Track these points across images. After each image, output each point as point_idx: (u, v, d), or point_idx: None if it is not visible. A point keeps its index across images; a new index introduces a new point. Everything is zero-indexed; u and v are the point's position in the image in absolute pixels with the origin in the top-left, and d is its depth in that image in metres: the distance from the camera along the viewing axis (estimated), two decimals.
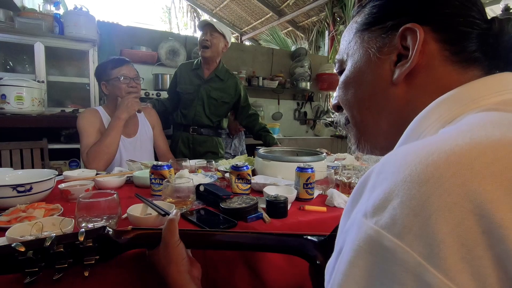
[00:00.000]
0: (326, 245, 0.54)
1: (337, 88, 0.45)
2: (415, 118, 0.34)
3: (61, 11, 2.48)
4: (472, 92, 0.32)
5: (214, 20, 1.85)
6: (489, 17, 0.36)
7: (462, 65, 0.35)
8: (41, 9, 2.45)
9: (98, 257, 0.50)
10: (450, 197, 0.20)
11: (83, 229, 0.51)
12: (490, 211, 0.19)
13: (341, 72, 0.45)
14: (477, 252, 0.19)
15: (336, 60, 0.47)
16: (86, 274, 0.49)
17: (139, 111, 1.51)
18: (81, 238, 0.49)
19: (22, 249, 0.46)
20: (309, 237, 0.56)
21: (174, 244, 0.54)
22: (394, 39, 0.37)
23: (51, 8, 2.45)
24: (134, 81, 1.49)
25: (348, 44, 0.43)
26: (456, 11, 0.35)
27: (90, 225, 0.65)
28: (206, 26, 1.80)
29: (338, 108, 0.47)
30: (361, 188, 0.27)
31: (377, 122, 0.40)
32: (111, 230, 0.53)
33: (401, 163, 0.24)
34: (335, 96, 0.47)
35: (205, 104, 1.88)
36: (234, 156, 2.10)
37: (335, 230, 0.53)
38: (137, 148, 1.54)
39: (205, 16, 6.47)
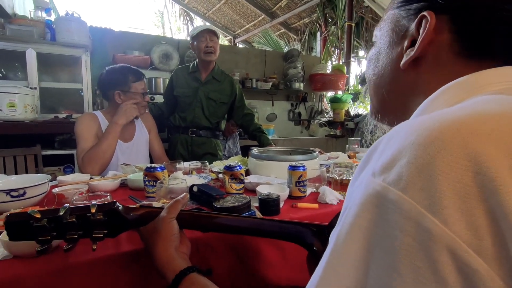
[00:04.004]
0: (324, 233, 0.55)
1: None
2: (424, 101, 0.36)
3: (52, 18, 2.48)
4: (480, 80, 0.33)
5: (208, 23, 1.87)
6: None
7: (473, 60, 0.34)
8: (32, 16, 2.45)
9: (106, 231, 0.52)
10: (452, 157, 0.23)
11: (95, 202, 0.52)
12: (486, 169, 0.22)
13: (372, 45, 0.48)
14: (472, 203, 0.22)
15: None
16: (94, 247, 0.51)
17: (136, 117, 1.53)
18: (93, 210, 0.51)
19: (38, 216, 0.48)
20: (308, 226, 0.57)
21: (167, 219, 0.54)
22: (412, 24, 0.37)
23: (42, 14, 2.45)
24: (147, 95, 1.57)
25: (382, 22, 0.44)
26: (483, 3, 0.33)
27: None
28: (204, 32, 1.81)
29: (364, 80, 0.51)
30: (370, 155, 0.29)
31: (385, 100, 0.43)
32: (121, 206, 0.55)
33: (409, 130, 0.26)
34: None
35: (204, 106, 1.91)
36: (228, 158, 2.11)
37: (334, 219, 0.54)
38: (134, 152, 1.55)
39: (198, 20, 6.48)
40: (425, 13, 0.35)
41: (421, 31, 0.36)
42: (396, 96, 0.41)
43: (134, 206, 0.57)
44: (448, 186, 0.22)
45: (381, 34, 0.44)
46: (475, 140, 0.23)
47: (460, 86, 0.33)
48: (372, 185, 0.25)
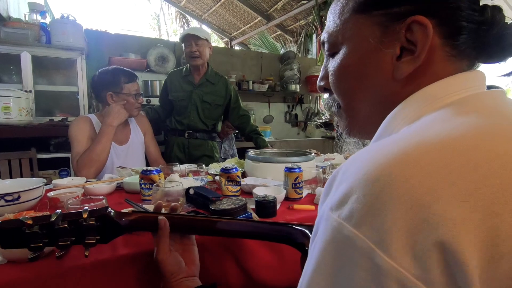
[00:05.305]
0: None
1: (329, 72, 0.42)
2: (386, 117, 0.36)
3: (47, 20, 2.47)
4: (437, 91, 0.33)
5: (197, 26, 1.87)
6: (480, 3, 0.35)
7: (458, 60, 0.35)
8: (27, 19, 2.44)
9: (98, 237, 0.52)
10: (396, 192, 0.23)
11: (87, 207, 0.52)
12: (428, 203, 0.22)
13: (332, 54, 0.41)
14: (418, 237, 0.22)
15: (325, 38, 0.42)
16: (87, 253, 0.51)
17: (130, 117, 1.54)
18: (85, 215, 0.50)
19: (30, 222, 0.47)
20: (298, 227, 0.58)
21: (162, 260, 0.54)
22: (398, 30, 0.34)
23: (37, 17, 2.43)
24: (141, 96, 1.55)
25: (343, 25, 0.39)
26: (460, 4, 0.33)
27: None
28: (189, 37, 1.79)
29: (325, 89, 0.45)
30: (331, 184, 0.30)
31: (369, 114, 0.40)
32: (113, 211, 0.54)
33: (361, 163, 0.27)
34: (320, 77, 0.45)
35: (199, 109, 1.91)
36: (224, 160, 2.11)
37: None
38: (129, 155, 1.55)
39: (194, 22, 6.48)
40: (417, 18, 0.33)
41: (418, 37, 0.33)
42: (381, 109, 0.37)
43: (126, 211, 0.57)
44: (394, 221, 0.23)
45: (349, 45, 0.39)
46: (416, 174, 0.23)
47: (417, 101, 0.34)
48: (330, 220, 0.26)
